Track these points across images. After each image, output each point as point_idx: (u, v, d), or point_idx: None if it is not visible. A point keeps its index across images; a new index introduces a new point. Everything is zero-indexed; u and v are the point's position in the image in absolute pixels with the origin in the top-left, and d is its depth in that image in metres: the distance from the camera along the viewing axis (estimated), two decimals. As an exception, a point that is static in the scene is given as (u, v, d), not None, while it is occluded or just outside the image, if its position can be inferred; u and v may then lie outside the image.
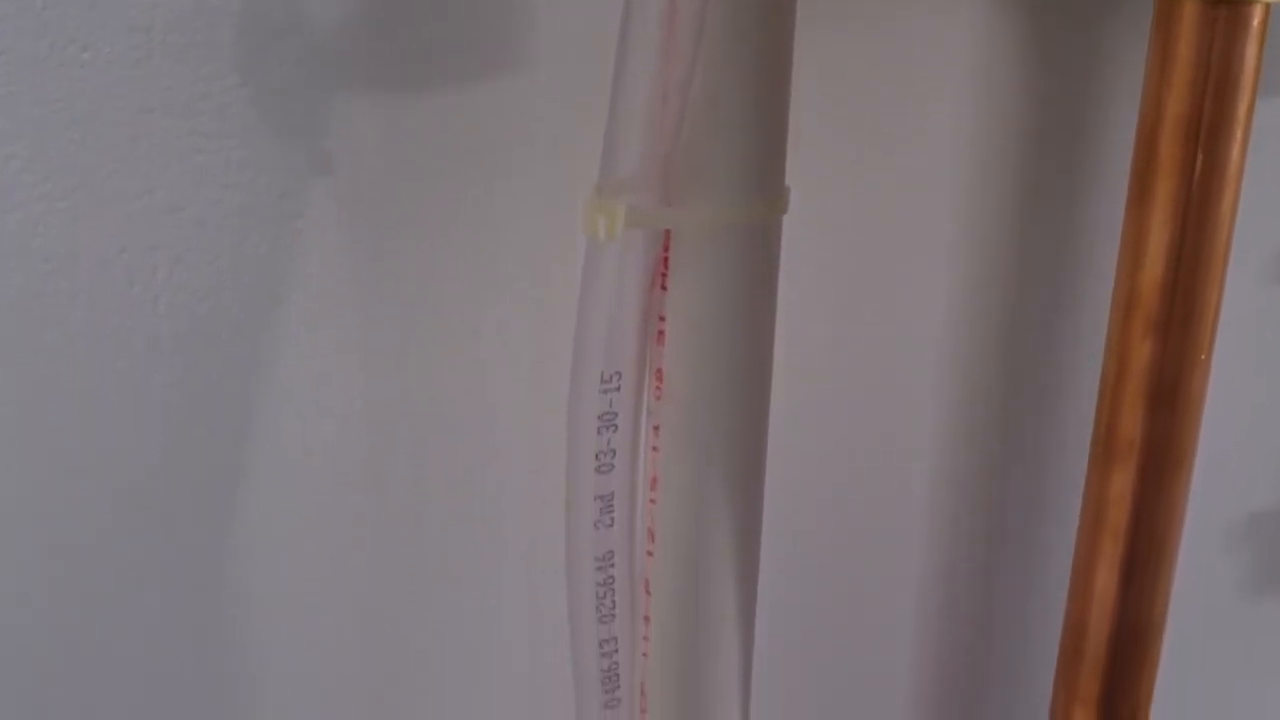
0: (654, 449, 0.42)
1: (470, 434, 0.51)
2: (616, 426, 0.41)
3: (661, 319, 0.41)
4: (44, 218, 0.43)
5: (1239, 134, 0.44)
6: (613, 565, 0.44)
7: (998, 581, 0.59)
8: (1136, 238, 0.46)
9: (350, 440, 0.49)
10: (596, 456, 0.41)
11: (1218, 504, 0.60)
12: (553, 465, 0.43)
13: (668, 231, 0.40)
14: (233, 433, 0.48)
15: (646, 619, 0.44)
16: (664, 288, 0.40)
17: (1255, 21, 0.43)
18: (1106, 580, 0.48)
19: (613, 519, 0.43)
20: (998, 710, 0.61)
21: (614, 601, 0.45)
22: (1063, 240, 0.54)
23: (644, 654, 0.45)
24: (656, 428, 0.42)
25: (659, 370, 0.41)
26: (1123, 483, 0.47)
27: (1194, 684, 0.63)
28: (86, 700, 0.51)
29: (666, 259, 0.40)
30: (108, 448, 0.46)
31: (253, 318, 0.46)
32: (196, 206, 0.45)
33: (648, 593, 0.44)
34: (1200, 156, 0.44)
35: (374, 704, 0.54)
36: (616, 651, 0.46)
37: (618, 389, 0.41)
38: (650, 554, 0.43)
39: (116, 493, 0.47)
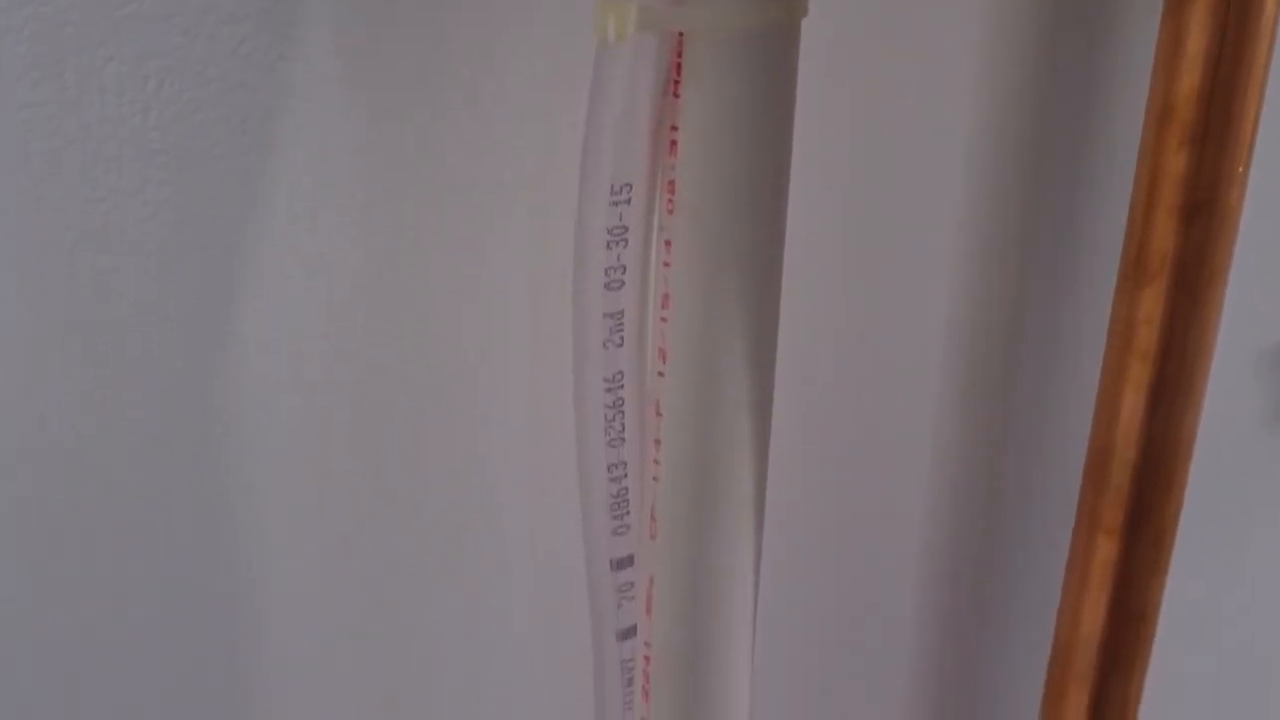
0: (665, 264, 0.42)
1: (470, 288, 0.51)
2: (627, 241, 0.41)
3: (674, 128, 0.41)
4: (27, 24, 0.43)
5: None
6: (622, 387, 0.44)
7: (1014, 405, 0.59)
8: (1172, 45, 0.45)
9: (348, 259, 0.49)
10: (606, 273, 0.42)
11: (1246, 331, 0.60)
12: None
13: (680, 35, 0.40)
14: (226, 246, 0.48)
15: (657, 442, 0.45)
16: (676, 95, 0.40)
17: None
18: (1134, 404, 0.49)
19: (622, 338, 0.43)
20: (1017, 537, 0.62)
21: (623, 425, 0.45)
22: (1094, 46, 0.53)
23: (654, 478, 0.46)
24: (668, 242, 0.42)
25: (671, 182, 0.41)
26: (1153, 303, 0.47)
27: (1216, 517, 0.65)
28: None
29: (679, 64, 0.40)
30: (100, 266, 0.47)
31: (248, 130, 0.46)
32: (185, 16, 0.44)
33: (658, 415, 0.44)
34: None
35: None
36: (625, 476, 0.47)
37: (628, 201, 0.41)
38: (661, 375, 0.44)
39: (100, 324, 0.48)
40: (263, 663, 0.54)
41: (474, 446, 0.54)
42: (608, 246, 0.41)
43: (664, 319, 0.43)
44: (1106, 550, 0.52)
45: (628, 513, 0.47)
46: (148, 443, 0.49)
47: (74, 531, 0.50)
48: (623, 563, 0.49)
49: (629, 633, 0.50)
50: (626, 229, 0.41)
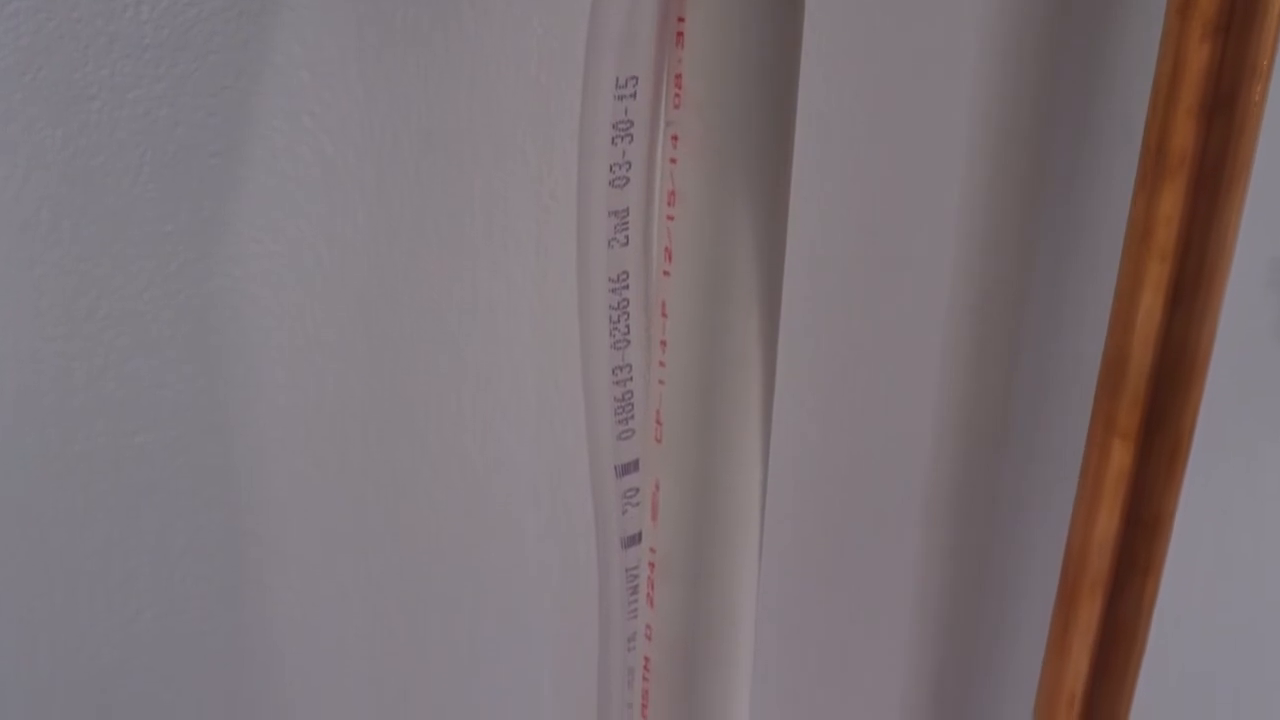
0: (672, 161, 0.42)
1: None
2: (632, 137, 0.41)
3: (680, 19, 0.41)
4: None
5: None
6: (627, 287, 0.44)
7: (1029, 308, 0.60)
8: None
9: (347, 158, 0.49)
10: (611, 169, 0.41)
11: (1264, 235, 0.60)
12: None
13: (689, -82, 0.39)
14: (220, 146, 0.48)
15: (663, 344, 0.45)
16: (683, -16, 0.40)
17: None
18: (1151, 306, 0.49)
19: (627, 237, 0.43)
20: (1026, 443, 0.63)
21: (628, 326, 0.45)
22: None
23: (660, 381, 0.46)
24: (675, 138, 0.42)
25: (678, 75, 0.41)
26: (1172, 200, 0.47)
27: (1230, 424, 0.65)
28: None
29: (686, -48, 0.40)
30: (91, 166, 0.47)
31: (243, 25, 0.46)
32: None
33: (664, 316, 0.44)
34: None
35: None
36: (630, 379, 0.47)
37: (633, 95, 0.41)
38: (667, 274, 0.44)
39: (88, 219, 0.48)
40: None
41: (478, 345, 0.54)
42: (613, 142, 0.41)
43: (670, 217, 0.43)
44: (1121, 456, 0.52)
45: (632, 417, 0.48)
46: (132, 349, 0.49)
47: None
48: (628, 468, 0.49)
49: (633, 540, 0.51)
50: (632, 124, 0.41)
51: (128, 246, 0.48)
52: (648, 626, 0.49)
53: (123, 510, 0.52)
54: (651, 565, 0.48)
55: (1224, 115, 0.46)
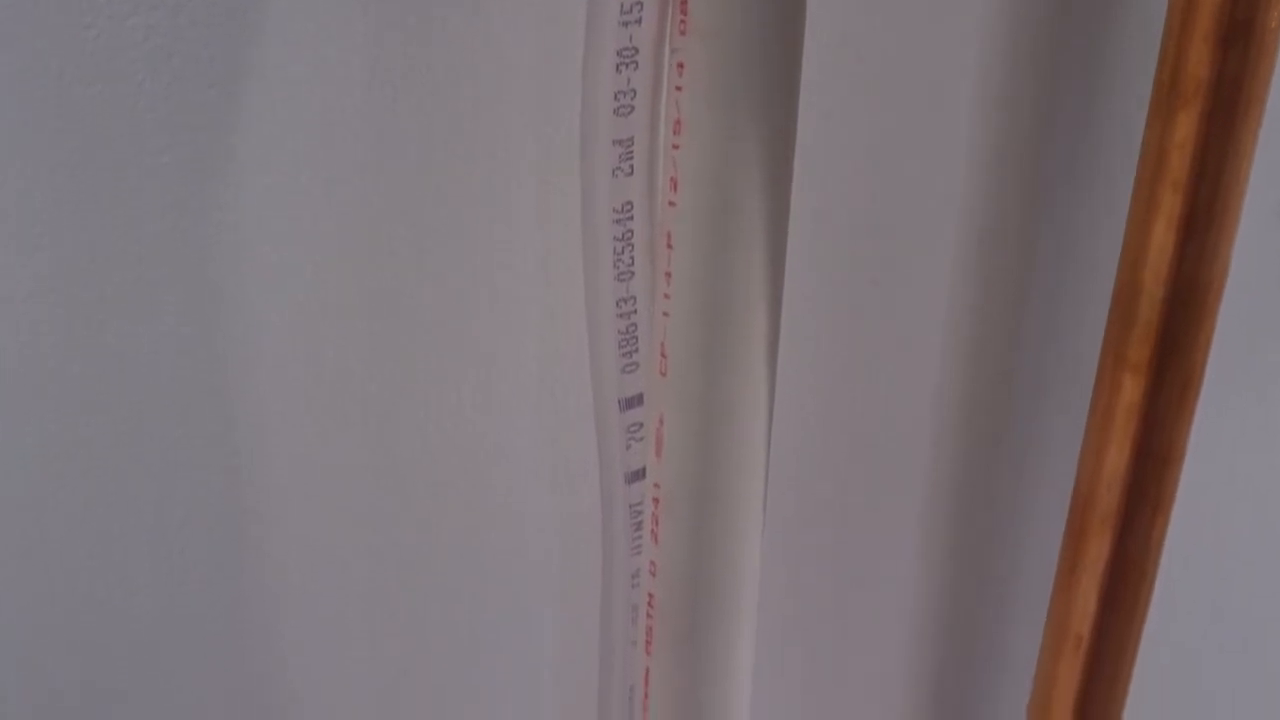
0: (678, 88, 0.42)
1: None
2: (637, 64, 0.41)
3: (685, -56, 0.41)
4: None
5: None
6: (631, 218, 0.45)
7: (1039, 240, 0.60)
8: None
9: (349, 90, 0.49)
10: (615, 97, 0.42)
11: (1271, 176, 0.60)
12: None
13: None
14: (218, 76, 0.48)
15: (667, 275, 0.45)
16: (689, -94, 0.40)
17: None
18: (1164, 236, 0.49)
19: (632, 166, 0.43)
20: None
21: (633, 257, 0.46)
22: None
23: (664, 313, 0.46)
24: (681, 65, 0.42)
25: (683, 1, 0.41)
26: (1187, 128, 0.47)
27: (1242, 359, 0.65)
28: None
29: (692, -128, 0.40)
30: (90, 96, 0.47)
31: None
32: None
33: (669, 247, 0.45)
34: None
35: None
36: (635, 312, 0.47)
37: (638, 21, 0.41)
38: (672, 204, 0.44)
39: (87, 153, 0.48)
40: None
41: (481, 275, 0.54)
42: (617, 70, 0.41)
43: (676, 146, 0.43)
44: (1132, 390, 0.53)
45: (637, 350, 0.48)
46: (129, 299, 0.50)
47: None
48: (631, 402, 0.50)
49: (637, 475, 0.51)
50: (637, 51, 0.41)
51: (124, 178, 0.48)
52: (652, 563, 0.49)
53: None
54: (656, 500, 0.48)
55: (1240, 42, 0.46)
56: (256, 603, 0.57)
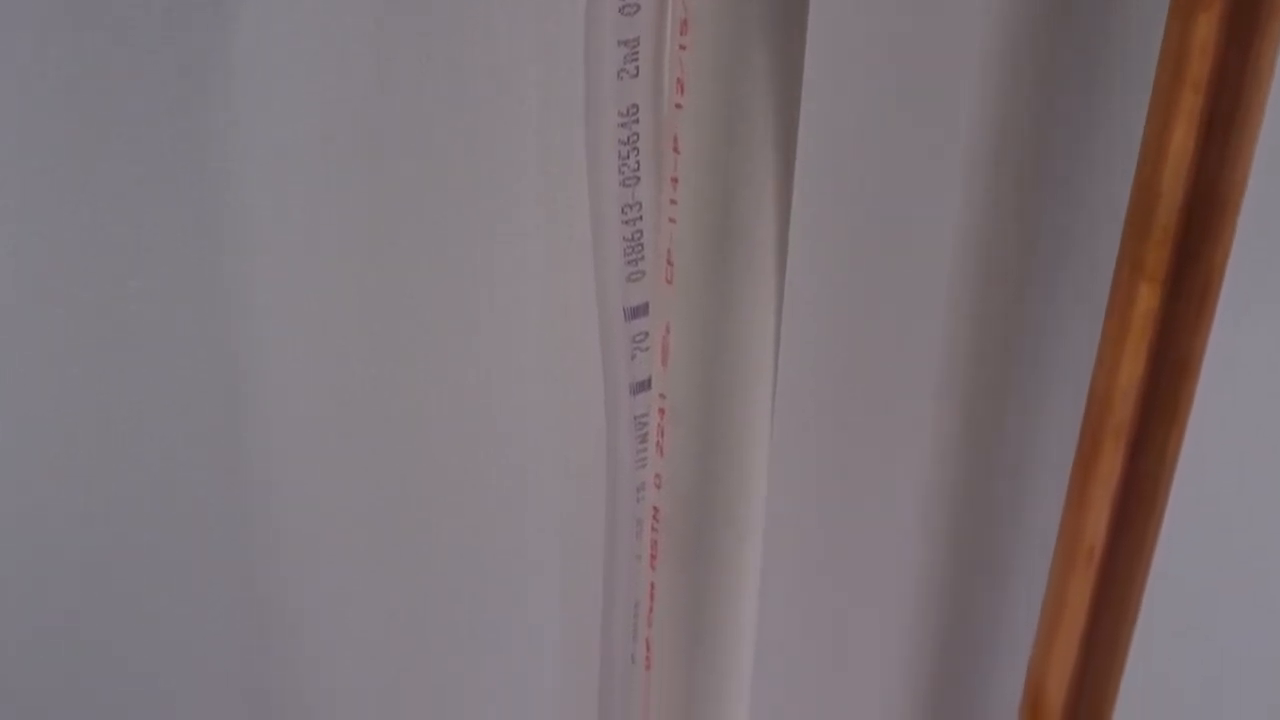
0: (684, -12, 0.42)
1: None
2: (642, -39, 0.41)
3: None
4: None
5: None
6: (637, 121, 0.44)
7: (1051, 145, 0.60)
8: None
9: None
10: (620, -7, 0.41)
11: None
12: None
13: None
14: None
15: (674, 180, 0.45)
16: None
17: None
18: (1183, 139, 0.49)
19: (638, 68, 0.43)
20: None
21: (638, 162, 0.46)
22: None
23: (670, 219, 0.46)
24: (687, -39, 0.42)
25: (690, -106, 0.41)
26: (1208, 27, 0.47)
27: (1261, 269, 0.65)
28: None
29: None
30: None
31: None
32: None
33: (676, 151, 0.45)
34: None
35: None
36: (641, 219, 0.47)
37: (644, -84, 0.40)
38: (679, 107, 0.44)
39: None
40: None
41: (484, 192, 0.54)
42: (622, -34, 0.41)
43: (682, 46, 0.43)
44: (1149, 298, 0.53)
45: (642, 258, 0.48)
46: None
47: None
48: (637, 311, 0.50)
49: (642, 386, 0.51)
50: (641, -53, 0.41)
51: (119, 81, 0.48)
52: (657, 475, 0.50)
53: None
54: (661, 412, 0.49)
55: (1265, -64, 0.46)
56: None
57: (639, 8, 0.42)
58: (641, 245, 0.47)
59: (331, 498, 0.57)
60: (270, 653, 0.60)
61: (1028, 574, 0.69)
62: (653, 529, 0.51)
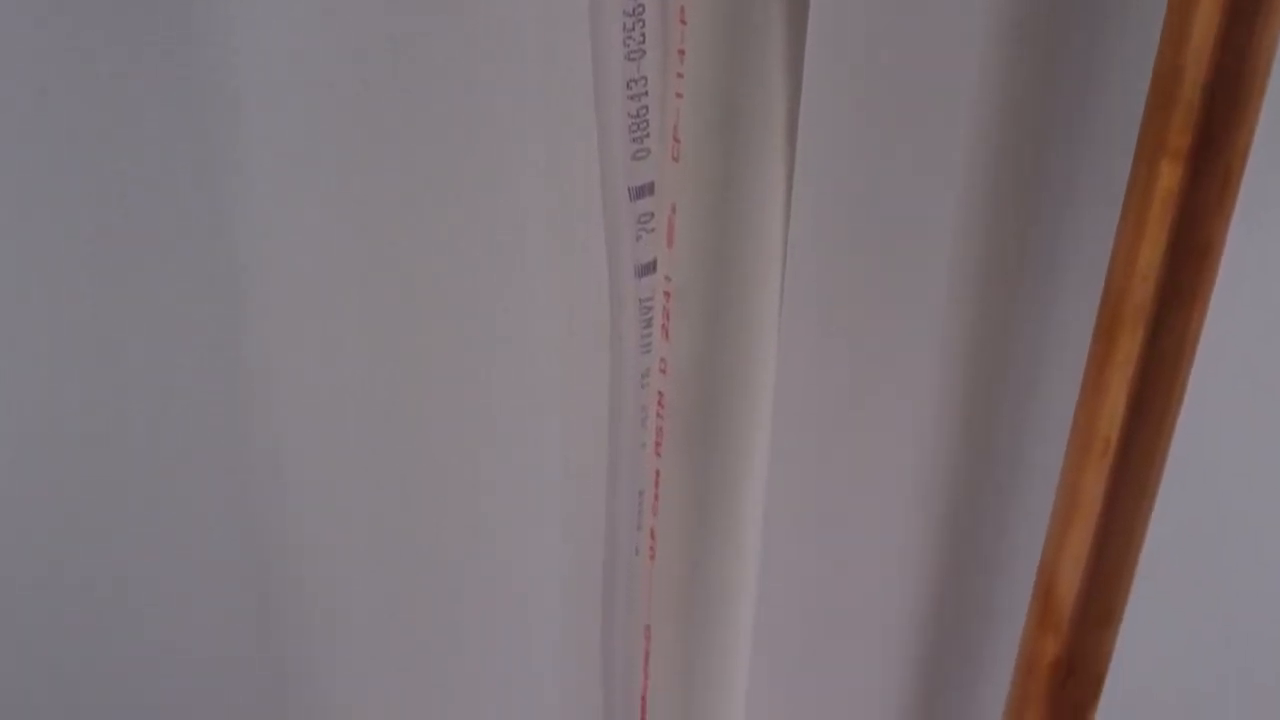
0: None
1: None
2: None
3: None
4: None
5: None
6: (641, -6, 0.44)
7: (1075, 27, 0.59)
8: None
9: None
10: None
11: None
12: None
13: None
14: None
15: (680, 53, 0.45)
16: None
17: None
18: (1209, 14, 0.49)
19: (643, -65, 0.43)
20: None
21: (644, 34, 0.45)
22: None
23: (677, 94, 0.46)
24: None
25: None
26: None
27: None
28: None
29: None
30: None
31: None
32: None
33: (682, 22, 0.44)
34: None
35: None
36: (646, 94, 0.47)
37: None
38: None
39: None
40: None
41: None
42: None
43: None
44: (1170, 177, 0.52)
45: (648, 135, 0.48)
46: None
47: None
48: (642, 191, 0.50)
49: (647, 269, 0.51)
50: None
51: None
52: (662, 360, 0.50)
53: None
54: (667, 295, 0.49)
55: None
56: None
57: None
58: (647, 122, 0.47)
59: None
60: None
61: (1040, 465, 0.69)
62: (658, 415, 0.51)
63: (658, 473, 0.52)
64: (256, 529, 0.58)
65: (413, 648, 0.64)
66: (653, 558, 0.54)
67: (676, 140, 0.46)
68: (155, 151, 0.49)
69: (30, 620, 0.57)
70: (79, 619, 0.58)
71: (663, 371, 0.50)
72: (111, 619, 0.58)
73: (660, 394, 0.50)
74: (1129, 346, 0.56)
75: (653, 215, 0.50)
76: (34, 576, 0.56)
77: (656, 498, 0.52)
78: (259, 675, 0.62)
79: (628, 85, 0.46)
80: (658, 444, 0.52)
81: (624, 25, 0.45)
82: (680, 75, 0.45)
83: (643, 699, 0.57)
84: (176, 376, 0.53)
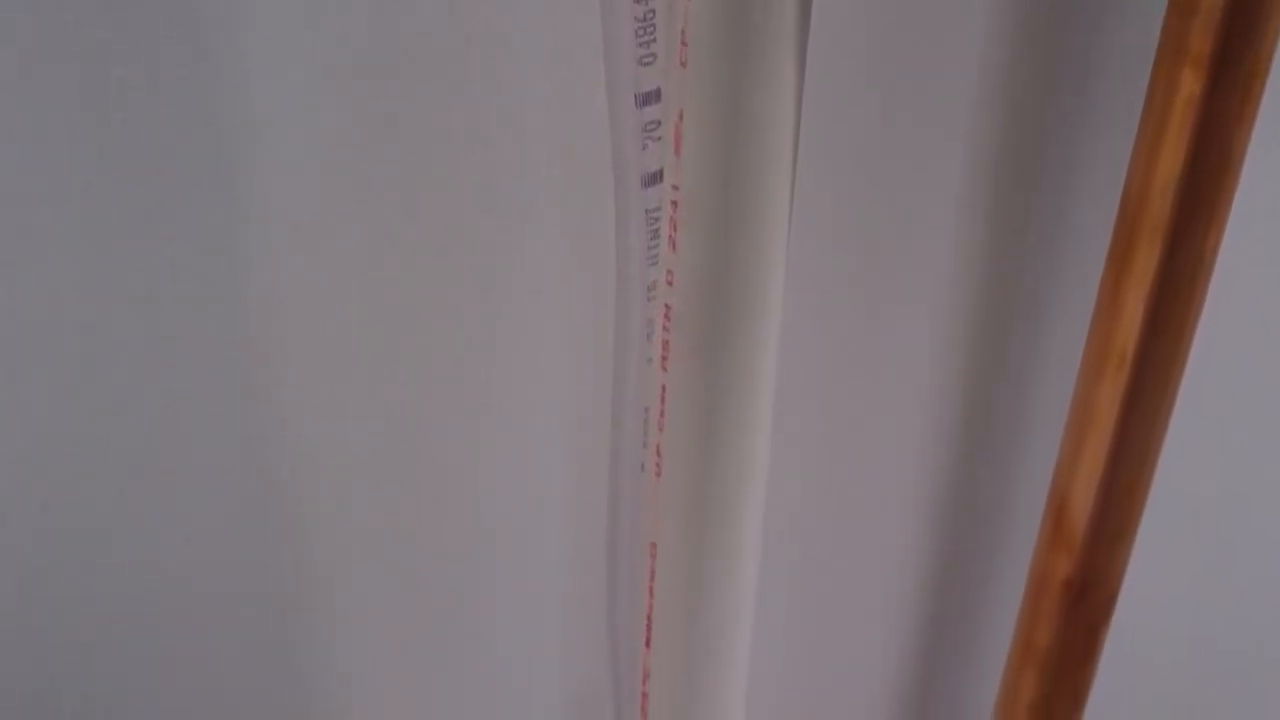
0: None
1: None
2: None
3: None
4: None
5: None
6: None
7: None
8: None
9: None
10: None
11: None
12: None
13: None
14: None
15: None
16: None
17: None
18: (1232, -87, 0.48)
19: None
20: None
21: (650, -65, 0.45)
22: None
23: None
24: None
25: None
26: None
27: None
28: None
29: None
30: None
31: None
32: None
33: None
34: None
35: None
36: (652, -3, 0.46)
37: None
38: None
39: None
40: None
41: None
42: None
43: None
44: (1191, 84, 0.52)
45: (655, 39, 0.47)
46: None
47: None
48: (649, 98, 0.49)
49: (654, 178, 0.51)
50: None
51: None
52: (669, 272, 0.50)
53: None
54: (674, 204, 0.48)
55: None
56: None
57: None
58: (654, 26, 0.47)
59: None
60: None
61: (1055, 381, 0.69)
62: (664, 329, 0.51)
63: (664, 388, 0.52)
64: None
65: (413, 569, 0.65)
66: (659, 474, 0.54)
67: (684, 44, 0.46)
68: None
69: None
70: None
71: (669, 284, 0.50)
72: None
73: (667, 307, 0.50)
74: (1146, 260, 0.56)
75: (659, 123, 0.49)
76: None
77: (663, 414, 0.52)
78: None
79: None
80: (664, 358, 0.51)
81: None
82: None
83: (648, 618, 0.58)
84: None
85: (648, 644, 0.58)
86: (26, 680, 0.58)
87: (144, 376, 0.53)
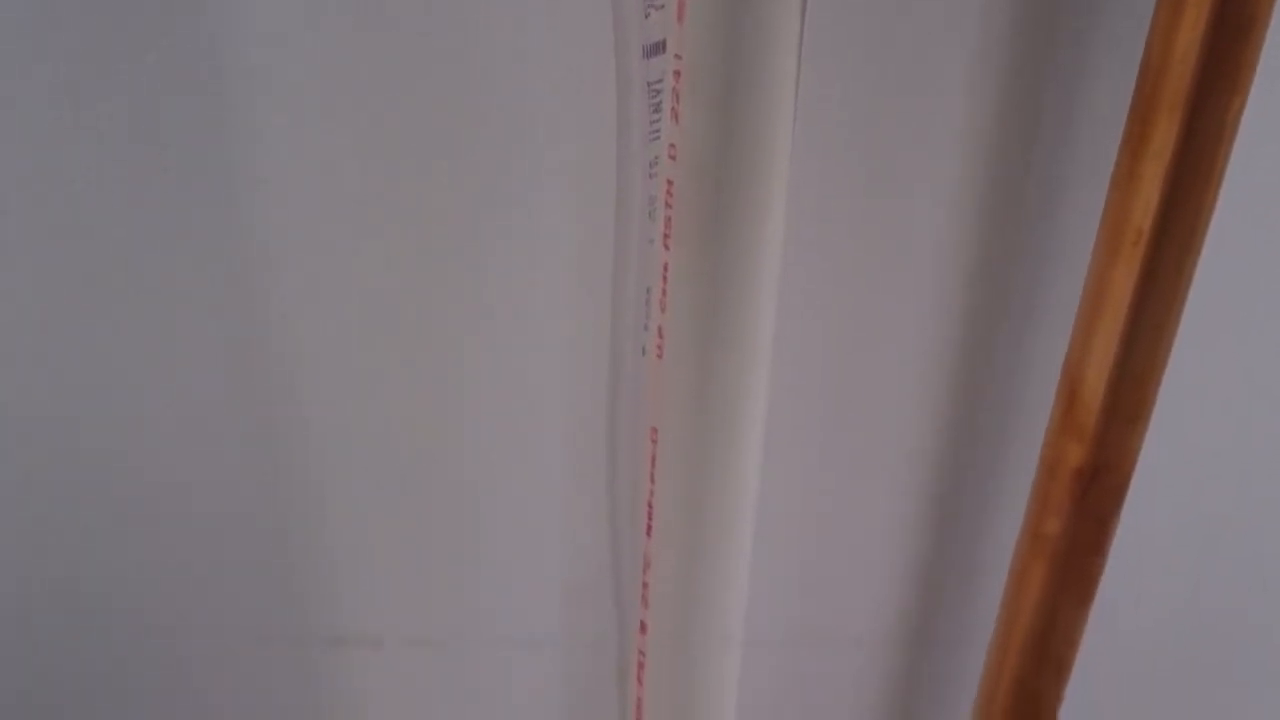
0: None
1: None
2: None
3: None
4: None
5: None
6: None
7: None
8: None
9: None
10: None
11: None
12: None
13: None
14: None
15: None
16: None
17: None
18: None
19: None
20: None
21: None
22: None
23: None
24: None
25: None
26: None
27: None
28: None
29: None
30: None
31: None
32: None
33: None
34: None
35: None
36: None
37: None
38: None
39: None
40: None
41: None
42: None
43: None
44: (1213, -53, 0.52)
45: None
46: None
47: None
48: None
49: (656, 49, 0.51)
50: None
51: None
52: (671, 146, 0.50)
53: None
54: (677, 74, 0.48)
55: None
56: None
57: None
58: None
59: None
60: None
61: (1068, 258, 0.69)
62: (667, 205, 0.51)
63: (666, 266, 0.52)
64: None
65: (413, 458, 0.65)
66: (660, 357, 0.54)
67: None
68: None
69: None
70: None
71: (672, 158, 0.49)
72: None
73: (669, 182, 0.50)
74: (1165, 134, 0.56)
75: (663, -6, 0.49)
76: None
77: (664, 294, 0.52)
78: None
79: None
80: (666, 236, 0.51)
81: None
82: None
83: (649, 504, 0.58)
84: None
85: (648, 531, 0.58)
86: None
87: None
